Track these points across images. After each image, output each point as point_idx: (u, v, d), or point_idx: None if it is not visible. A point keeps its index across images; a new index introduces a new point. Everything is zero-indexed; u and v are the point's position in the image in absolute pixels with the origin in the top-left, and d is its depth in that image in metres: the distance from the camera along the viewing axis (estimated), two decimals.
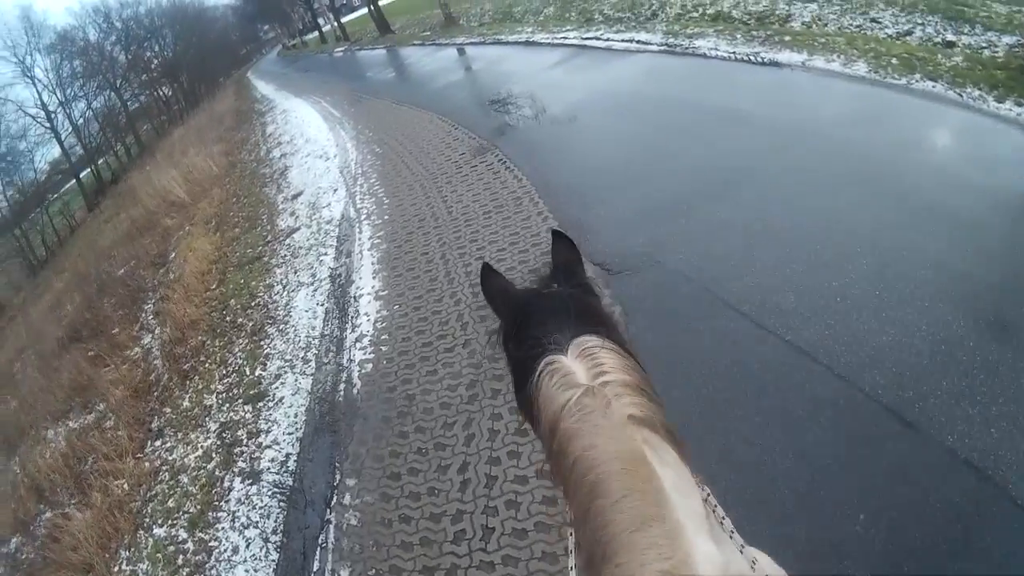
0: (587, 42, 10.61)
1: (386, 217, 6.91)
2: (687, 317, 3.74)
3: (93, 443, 6.04)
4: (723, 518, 1.04)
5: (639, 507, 0.79)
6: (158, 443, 5.61)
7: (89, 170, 26.10)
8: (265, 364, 5.55)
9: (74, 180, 25.06)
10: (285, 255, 7.38)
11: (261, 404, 5.13)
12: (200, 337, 6.61)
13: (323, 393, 4.83)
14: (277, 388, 5.17)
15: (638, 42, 9.56)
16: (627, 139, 6.38)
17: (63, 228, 22.02)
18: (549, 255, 1.20)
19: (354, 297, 5.65)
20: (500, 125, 8.19)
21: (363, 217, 7.19)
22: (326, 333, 5.44)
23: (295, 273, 6.76)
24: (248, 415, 5.11)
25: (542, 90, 8.63)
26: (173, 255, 9.96)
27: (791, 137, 5.31)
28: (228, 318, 6.66)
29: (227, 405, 5.38)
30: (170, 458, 5.26)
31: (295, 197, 9.17)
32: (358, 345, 5.00)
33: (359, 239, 6.68)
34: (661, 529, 0.77)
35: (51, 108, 25.67)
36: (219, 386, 5.69)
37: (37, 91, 25.42)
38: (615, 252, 4.57)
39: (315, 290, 6.19)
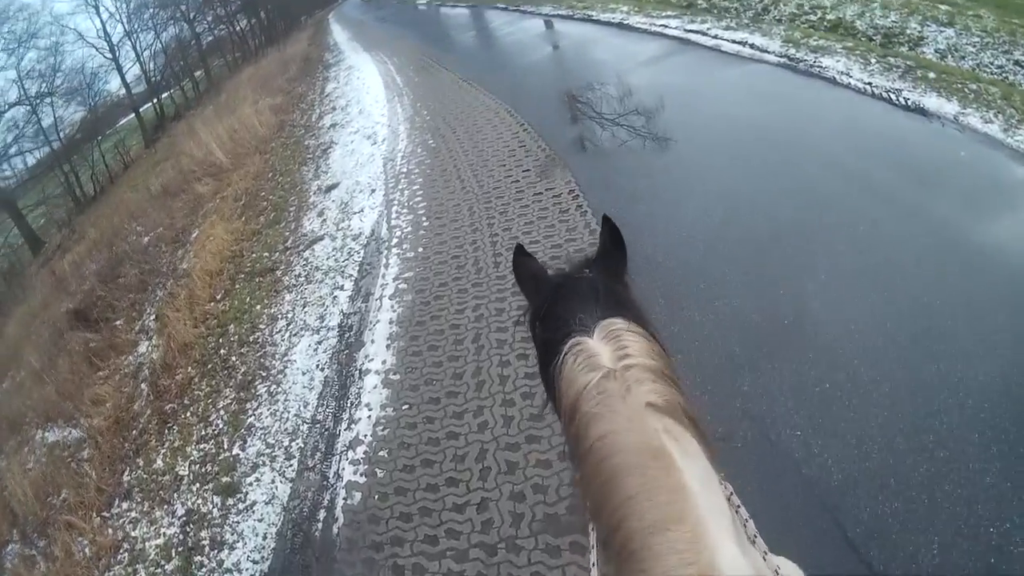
0: (691, 35, 8.86)
1: (420, 249, 5.70)
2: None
3: (65, 480, 5.47)
4: (747, 520, 1.03)
5: (657, 506, 0.77)
6: (125, 505, 4.91)
7: (151, 104, 25.71)
8: (245, 440, 4.58)
9: (133, 115, 24.66)
10: (300, 274, 6.35)
11: (231, 501, 4.20)
12: (189, 369, 5.73)
13: (299, 516, 3.80)
14: (251, 485, 4.21)
15: (752, 47, 7.79)
16: (742, 202, 4.76)
17: (116, 164, 21.76)
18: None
19: (360, 371, 4.53)
20: (577, 137, 6.78)
21: (394, 241, 6.02)
22: (318, 419, 4.37)
23: (303, 308, 5.72)
24: (216, 511, 4.23)
25: (633, 94, 7.00)
26: (195, 234, 9.14)
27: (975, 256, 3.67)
28: (223, 351, 5.72)
29: (197, 485, 4.53)
30: (133, 534, 4.54)
31: (329, 190, 8.10)
32: (350, 455, 3.91)
33: (383, 276, 5.53)
34: (682, 531, 0.75)
35: (115, 39, 25.08)
36: (194, 452, 4.82)
37: (101, 20, 24.70)
38: (700, 401, 3.17)
39: (319, 343, 5.12)
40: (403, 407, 4.04)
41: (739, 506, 1.02)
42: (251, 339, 5.66)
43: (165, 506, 4.57)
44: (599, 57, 9.19)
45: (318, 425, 4.32)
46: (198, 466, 4.67)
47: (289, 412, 4.56)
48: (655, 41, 9.11)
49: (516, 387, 3.76)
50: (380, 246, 6.09)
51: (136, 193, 15.24)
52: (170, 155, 16.17)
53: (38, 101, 20.23)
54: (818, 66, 6.79)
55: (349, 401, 4.34)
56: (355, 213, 7.06)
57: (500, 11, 16.19)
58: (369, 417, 4.08)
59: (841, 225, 4.14)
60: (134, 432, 5.54)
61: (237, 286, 6.92)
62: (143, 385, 6.08)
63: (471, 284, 4.90)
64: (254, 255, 7.43)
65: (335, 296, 5.63)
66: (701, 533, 0.74)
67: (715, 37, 8.50)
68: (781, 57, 7.28)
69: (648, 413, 0.84)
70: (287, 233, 7.51)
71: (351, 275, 5.85)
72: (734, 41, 8.13)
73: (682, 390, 0.90)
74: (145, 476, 4.95)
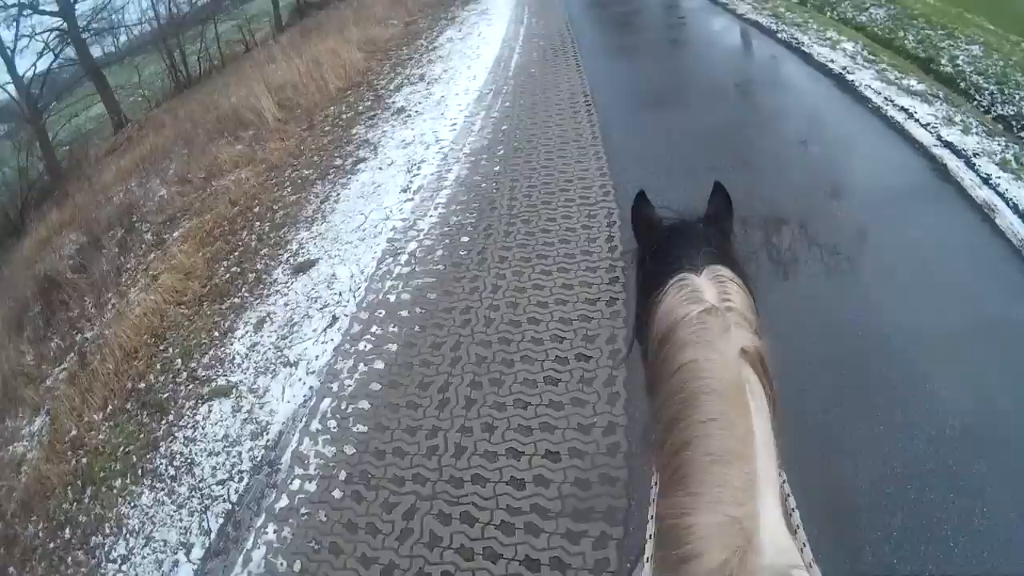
0: (949, 159, 5.18)
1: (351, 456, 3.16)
2: None
3: None
4: (793, 509, 1.07)
5: (726, 436, 0.81)
6: None
7: None
8: None
9: None
10: (172, 457, 4.01)
11: None
12: (64, 483, 3.94)
13: None
14: None
15: None
16: None
17: (237, 43, 20.28)
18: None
19: None
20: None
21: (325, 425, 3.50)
22: None
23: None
24: None
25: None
26: (169, 238, 7.16)
27: None
28: (96, 484, 3.62)
29: None
30: None
31: (299, 271, 5.60)
32: None
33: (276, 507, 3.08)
34: (741, 469, 0.78)
35: None
36: None
37: None
38: None
39: None
40: None
41: (789, 495, 1.05)
42: (117, 491, 3.55)
43: None
44: (807, 146, 5.68)
45: None
46: None
47: None
48: (896, 144, 5.51)
49: None
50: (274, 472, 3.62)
51: (198, 109, 13.59)
52: (303, 46, 14.26)
53: None
54: None
55: None
56: (295, 344, 4.60)
57: None
58: None
59: None
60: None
61: (129, 405, 4.84)
62: (24, 471, 4.34)
63: None
64: (194, 326, 5.28)
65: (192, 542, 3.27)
66: (756, 480, 0.77)
67: (991, 182, 4.87)
68: None
69: (741, 357, 0.88)
70: (216, 335, 5.21)
71: (236, 487, 3.46)
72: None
73: (766, 350, 0.93)
74: None
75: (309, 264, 5.70)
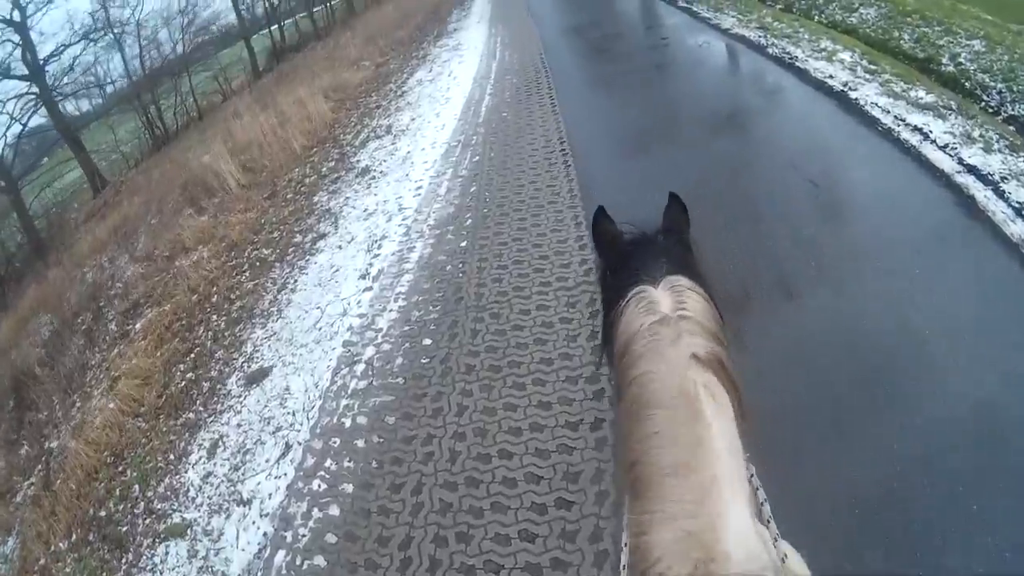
0: (973, 185, 4.47)
1: None
2: None
3: None
4: (763, 501, 1.07)
5: (677, 448, 0.81)
6: None
7: (268, 31, 23.12)
8: None
9: (242, 42, 22.18)
10: None
11: None
12: None
13: None
14: None
15: None
16: None
17: (213, 95, 19.79)
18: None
19: None
20: None
21: None
22: None
23: None
24: None
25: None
26: (132, 330, 6.61)
27: None
28: None
29: None
30: None
31: (252, 382, 5.01)
32: None
33: None
34: (692, 481, 0.78)
35: None
36: None
37: None
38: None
39: None
40: None
41: (759, 487, 1.06)
42: None
43: None
44: (816, 188, 4.94)
45: None
46: None
47: None
48: (914, 175, 4.80)
49: None
50: None
51: (171, 170, 13.15)
52: (279, 91, 13.78)
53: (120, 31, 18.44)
54: None
55: None
56: (233, 514, 3.99)
57: (678, 8, 11.82)
58: None
59: None
60: None
61: (91, 536, 4.41)
62: None
63: None
64: (126, 477, 4.71)
65: None
66: (711, 487, 0.77)
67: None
68: None
69: (692, 364, 0.88)
70: (171, 459, 4.68)
71: None
72: None
73: (729, 354, 0.94)
74: None
75: (262, 374, 5.11)
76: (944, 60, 7.98)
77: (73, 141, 18.72)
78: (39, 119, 18.49)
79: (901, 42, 8.98)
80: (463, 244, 5.33)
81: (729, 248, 4.24)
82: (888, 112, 6.30)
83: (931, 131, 5.84)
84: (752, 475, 1.01)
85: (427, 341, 4.49)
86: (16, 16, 18.01)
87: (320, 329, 5.19)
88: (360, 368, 4.50)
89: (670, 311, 0.94)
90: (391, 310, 4.95)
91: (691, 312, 0.94)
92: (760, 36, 9.21)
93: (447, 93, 9.63)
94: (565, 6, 15.51)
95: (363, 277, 5.50)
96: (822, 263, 4.00)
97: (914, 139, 5.73)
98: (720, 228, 4.45)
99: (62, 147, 19.85)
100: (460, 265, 5.06)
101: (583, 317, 4.14)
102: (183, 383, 5.66)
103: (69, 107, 19.28)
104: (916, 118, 6.06)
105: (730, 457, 0.81)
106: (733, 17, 10.30)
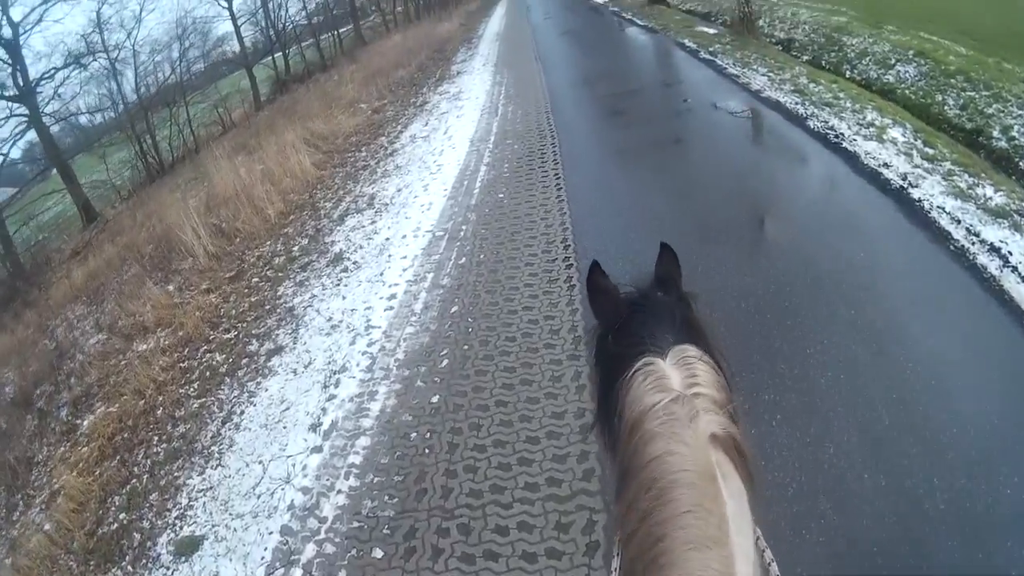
0: None
1: None
2: None
3: None
4: (771, 562, 1.11)
5: (703, 526, 0.81)
6: None
7: (271, 59, 22.34)
8: None
9: (243, 70, 21.34)
10: None
11: None
12: None
13: None
14: None
15: None
16: None
17: (213, 125, 19.04)
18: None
19: None
20: None
21: None
22: None
23: None
24: None
25: None
26: (79, 427, 5.76)
27: None
28: None
29: None
30: None
31: (180, 553, 4.07)
32: None
33: None
34: (719, 553, 0.79)
35: None
36: None
37: None
38: None
39: None
40: None
41: (765, 549, 1.09)
42: None
43: None
44: (880, 348, 3.86)
45: None
46: None
47: None
48: (999, 323, 3.73)
49: None
50: None
51: (156, 210, 12.36)
52: (282, 124, 12.95)
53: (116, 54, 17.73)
54: None
55: None
56: None
57: (688, 53, 10.79)
58: None
59: None
60: None
61: None
62: None
63: None
64: None
65: None
66: (735, 563, 0.79)
67: None
68: None
69: (710, 444, 0.88)
70: None
71: None
72: None
73: (739, 427, 0.94)
74: None
75: (193, 545, 4.13)
76: (995, 134, 7.07)
77: (64, 170, 18.03)
78: (21, 148, 17.85)
79: (945, 108, 8.02)
80: (434, 400, 4.27)
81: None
82: (958, 222, 5.34)
83: (1010, 252, 4.87)
84: (759, 537, 1.02)
85: (378, 553, 3.44)
86: (7, 33, 17.37)
87: (259, 497, 4.19)
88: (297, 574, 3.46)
89: (682, 388, 0.93)
90: (340, 491, 3.92)
91: (703, 388, 0.93)
92: (797, 103, 8.22)
93: (440, 158, 8.65)
94: (577, 52, 14.61)
95: (313, 428, 4.48)
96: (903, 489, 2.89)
97: (992, 264, 4.80)
98: (766, 417, 3.37)
99: (53, 175, 19.21)
100: (427, 436, 4.00)
101: (576, 552, 3.06)
102: (116, 525, 4.76)
103: (56, 130, 18.61)
104: (991, 233, 5.15)
105: (742, 537, 0.82)
106: (764, 76, 9.31)
